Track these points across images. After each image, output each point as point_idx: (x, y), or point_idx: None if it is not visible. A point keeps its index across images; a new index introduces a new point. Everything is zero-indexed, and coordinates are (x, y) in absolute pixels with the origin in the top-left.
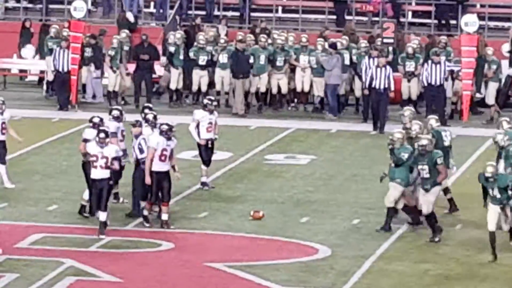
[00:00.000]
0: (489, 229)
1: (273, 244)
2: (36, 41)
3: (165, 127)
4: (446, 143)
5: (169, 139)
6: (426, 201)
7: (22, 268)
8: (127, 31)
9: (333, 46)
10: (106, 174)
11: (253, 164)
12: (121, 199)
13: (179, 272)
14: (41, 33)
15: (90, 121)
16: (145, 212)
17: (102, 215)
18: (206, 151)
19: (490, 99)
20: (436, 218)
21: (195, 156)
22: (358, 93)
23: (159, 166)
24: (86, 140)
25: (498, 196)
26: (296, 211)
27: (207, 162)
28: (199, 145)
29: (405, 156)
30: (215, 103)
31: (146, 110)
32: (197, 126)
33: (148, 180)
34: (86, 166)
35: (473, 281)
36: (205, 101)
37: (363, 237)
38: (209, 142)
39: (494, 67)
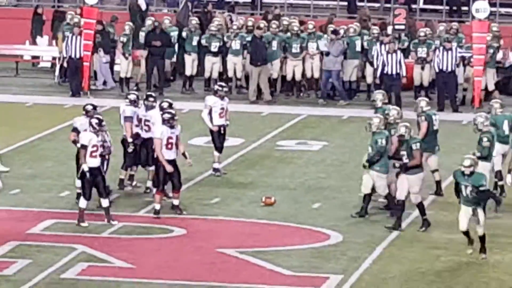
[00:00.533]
0: (460, 229)
1: (285, 230)
2: (48, 28)
3: (167, 116)
4: (435, 127)
5: (172, 127)
6: (412, 192)
7: (34, 254)
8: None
9: (335, 32)
10: (98, 162)
11: (265, 150)
12: (134, 183)
13: (191, 258)
14: (54, 19)
15: (84, 108)
16: (157, 206)
17: (105, 202)
18: (218, 137)
19: (490, 85)
20: (404, 207)
21: (207, 142)
22: (369, 79)
23: (166, 155)
24: (75, 129)
25: (471, 196)
26: (307, 197)
27: (219, 148)
28: (211, 131)
29: (381, 141)
30: (226, 89)
31: (150, 98)
32: (210, 112)
33: (169, 168)
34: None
35: (483, 267)
36: (216, 87)
37: (374, 223)
38: (221, 128)
39: (490, 51)
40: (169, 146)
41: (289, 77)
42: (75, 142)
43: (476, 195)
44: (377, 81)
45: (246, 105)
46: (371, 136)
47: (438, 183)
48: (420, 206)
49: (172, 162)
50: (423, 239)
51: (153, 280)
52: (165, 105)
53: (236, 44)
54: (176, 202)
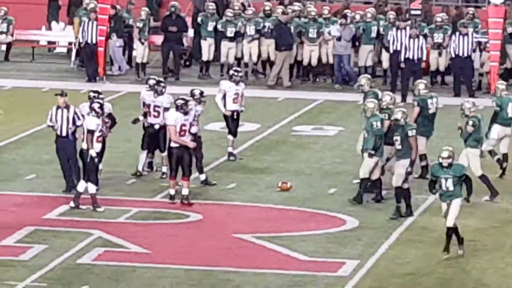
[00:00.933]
0: (447, 225)
1: (301, 215)
2: (64, 13)
3: (180, 102)
4: (431, 111)
5: (186, 113)
6: (396, 173)
7: (50, 239)
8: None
9: (344, 17)
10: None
11: (281, 135)
12: (154, 168)
13: (207, 243)
14: (70, 5)
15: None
16: (172, 192)
17: (92, 188)
18: (232, 122)
19: (485, 67)
20: (408, 194)
21: (222, 127)
22: (385, 64)
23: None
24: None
25: (451, 188)
26: (323, 182)
27: (233, 132)
28: (225, 116)
29: (376, 124)
30: (241, 73)
31: (161, 84)
32: (224, 97)
33: (191, 144)
34: (84, 154)
35: (500, 252)
36: (232, 71)
37: (390, 208)
38: (235, 113)
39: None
40: (182, 133)
41: (305, 62)
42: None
43: (461, 185)
44: (402, 65)
45: (262, 90)
46: (365, 121)
47: (424, 167)
48: (398, 191)
49: (184, 149)
50: (439, 224)
51: (169, 265)
52: (196, 92)
53: (251, 30)
54: (185, 191)
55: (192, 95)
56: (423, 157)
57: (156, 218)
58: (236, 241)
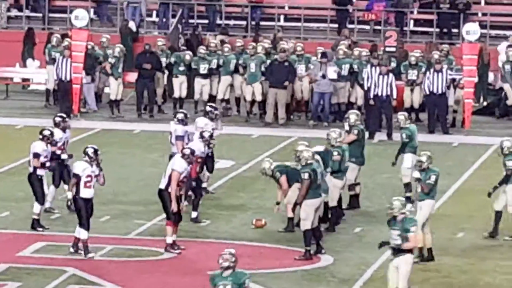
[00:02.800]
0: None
1: (276, 252)
2: (40, 50)
3: (187, 151)
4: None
5: (190, 163)
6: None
7: (24, 277)
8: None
9: (324, 55)
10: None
11: (256, 172)
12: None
13: (182, 280)
14: (47, 42)
15: (40, 133)
16: (169, 240)
17: (84, 234)
18: (208, 158)
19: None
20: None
21: None
22: (360, 101)
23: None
24: (37, 155)
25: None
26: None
27: (210, 169)
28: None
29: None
30: (217, 111)
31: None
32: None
33: (175, 206)
34: (32, 177)
35: None
36: (208, 108)
37: (365, 245)
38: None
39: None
40: (181, 183)
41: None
42: (36, 168)
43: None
44: (371, 102)
45: (236, 127)
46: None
47: (355, 196)
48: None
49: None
50: (414, 261)
51: None
52: (206, 134)
53: (253, 67)
54: (171, 239)
55: (202, 136)
56: (351, 186)
57: (131, 255)
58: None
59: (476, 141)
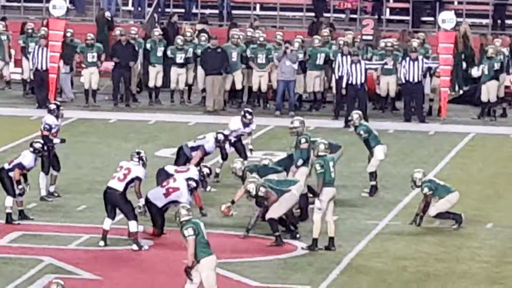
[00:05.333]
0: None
1: (252, 241)
2: (14, 40)
3: (193, 185)
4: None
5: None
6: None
7: (1, 266)
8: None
9: (289, 43)
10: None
11: (231, 161)
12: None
13: (159, 269)
14: (21, 32)
15: (31, 145)
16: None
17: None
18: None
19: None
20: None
21: (173, 154)
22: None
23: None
24: (23, 167)
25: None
26: None
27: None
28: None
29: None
30: (250, 117)
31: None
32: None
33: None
34: (2, 173)
35: (451, 277)
36: (244, 112)
37: (341, 234)
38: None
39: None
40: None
41: (255, 88)
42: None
43: None
44: (343, 92)
45: (213, 116)
46: None
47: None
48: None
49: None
50: (390, 249)
51: None
52: (206, 170)
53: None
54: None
55: (200, 171)
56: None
57: (107, 244)
58: None
59: (452, 129)
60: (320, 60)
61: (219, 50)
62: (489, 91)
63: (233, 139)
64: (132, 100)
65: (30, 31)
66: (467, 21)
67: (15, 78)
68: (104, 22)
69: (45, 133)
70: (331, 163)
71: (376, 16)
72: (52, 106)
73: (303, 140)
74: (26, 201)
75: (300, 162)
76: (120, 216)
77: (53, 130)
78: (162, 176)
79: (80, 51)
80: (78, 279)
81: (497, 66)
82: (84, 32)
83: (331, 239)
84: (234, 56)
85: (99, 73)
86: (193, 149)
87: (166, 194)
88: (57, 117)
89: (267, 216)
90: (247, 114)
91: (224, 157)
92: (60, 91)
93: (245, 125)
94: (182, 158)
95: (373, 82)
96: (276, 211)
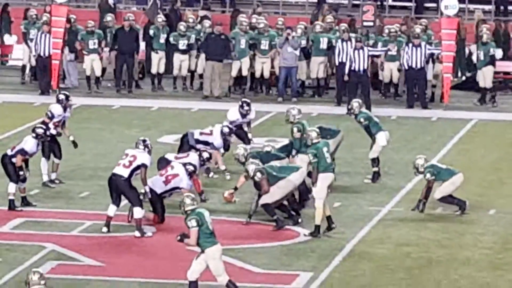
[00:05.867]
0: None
1: (255, 228)
2: (17, 26)
3: (191, 169)
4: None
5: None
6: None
7: (3, 253)
8: (112, 15)
9: (290, 29)
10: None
11: (234, 147)
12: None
13: (161, 256)
14: (24, 18)
15: (33, 131)
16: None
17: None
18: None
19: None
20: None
21: (176, 140)
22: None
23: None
24: (25, 153)
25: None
26: None
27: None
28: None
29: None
30: (248, 108)
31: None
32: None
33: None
34: (6, 159)
35: (454, 263)
36: (241, 103)
37: (344, 220)
38: None
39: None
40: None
41: (257, 74)
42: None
43: None
44: (346, 78)
45: (214, 103)
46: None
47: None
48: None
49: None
50: (393, 236)
51: (123, 279)
52: (205, 155)
53: (265, 45)
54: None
55: (200, 155)
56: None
57: (110, 231)
58: (190, 253)
59: (455, 115)
60: (323, 44)
61: (222, 36)
62: (484, 77)
63: (234, 128)
64: (135, 87)
65: (33, 17)
66: (470, 7)
67: (16, 65)
68: (107, 9)
69: (46, 120)
70: (325, 149)
71: (379, 2)
72: (61, 96)
73: (295, 130)
74: (29, 187)
75: (293, 152)
76: (123, 202)
77: (55, 120)
78: (163, 164)
79: (81, 38)
80: (81, 265)
81: (492, 51)
82: (87, 19)
83: (329, 218)
84: (243, 43)
85: (101, 59)
86: (198, 142)
87: (166, 182)
88: (64, 108)
89: (261, 201)
90: (244, 105)
91: (226, 147)
92: (63, 77)
93: (243, 115)
94: (185, 146)
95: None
96: (270, 197)
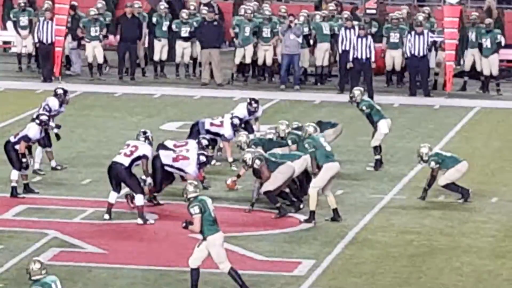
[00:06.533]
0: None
1: (257, 215)
2: None
3: (203, 159)
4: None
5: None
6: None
7: (6, 240)
8: (103, 2)
9: (291, 16)
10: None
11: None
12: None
13: (164, 243)
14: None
15: (37, 118)
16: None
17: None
18: None
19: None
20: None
21: (179, 127)
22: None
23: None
24: (29, 139)
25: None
26: None
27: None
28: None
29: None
30: (256, 105)
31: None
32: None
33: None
34: (9, 146)
35: (456, 251)
36: (250, 100)
37: (346, 208)
38: None
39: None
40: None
41: (260, 62)
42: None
43: None
44: (350, 65)
45: (219, 91)
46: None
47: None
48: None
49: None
50: (396, 223)
51: (125, 266)
52: (204, 142)
53: (268, 33)
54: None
55: (199, 142)
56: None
57: (112, 218)
58: (192, 241)
59: (457, 103)
60: (326, 29)
61: (215, 23)
62: (491, 65)
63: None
64: (142, 74)
65: (22, 5)
66: None
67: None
68: None
69: (42, 112)
70: (321, 139)
71: None
72: (59, 91)
73: (290, 142)
74: (31, 174)
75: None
76: (124, 190)
77: (51, 113)
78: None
79: (83, 26)
80: (83, 252)
81: (500, 38)
82: (89, 6)
83: (335, 210)
84: (247, 31)
85: (103, 47)
86: (208, 132)
87: (175, 159)
88: (62, 103)
89: (263, 189)
90: (253, 102)
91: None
92: (67, 64)
93: (251, 112)
94: (194, 135)
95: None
96: (271, 183)
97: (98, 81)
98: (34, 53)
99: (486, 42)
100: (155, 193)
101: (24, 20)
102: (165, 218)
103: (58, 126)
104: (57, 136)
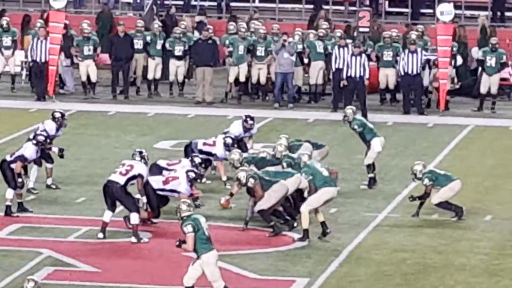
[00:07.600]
0: None
1: (251, 233)
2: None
3: (192, 175)
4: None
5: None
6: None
7: (0, 259)
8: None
9: (285, 34)
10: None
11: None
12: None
13: (157, 261)
14: (22, 24)
15: (34, 138)
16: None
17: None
18: None
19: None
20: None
21: (173, 146)
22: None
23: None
24: (25, 159)
25: None
26: None
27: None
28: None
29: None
30: (252, 122)
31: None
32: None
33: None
34: (4, 165)
35: (450, 269)
36: (245, 117)
37: (340, 226)
38: None
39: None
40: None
41: (254, 80)
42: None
43: None
44: (345, 83)
45: (212, 109)
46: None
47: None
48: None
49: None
50: (390, 241)
51: (119, 284)
52: (197, 160)
53: (261, 51)
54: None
55: (192, 161)
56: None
57: (107, 237)
58: (186, 259)
59: (451, 121)
60: (320, 47)
61: (210, 41)
62: (491, 84)
63: (236, 140)
64: (136, 92)
65: (5, 26)
66: (466, 13)
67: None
68: (108, 17)
69: (39, 132)
70: (317, 165)
71: (373, 8)
72: (57, 114)
73: (285, 164)
74: (26, 193)
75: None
76: (119, 208)
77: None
78: (154, 170)
79: (76, 44)
80: (77, 271)
81: (505, 58)
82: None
83: (323, 223)
84: (241, 49)
85: (96, 65)
86: (201, 152)
87: (165, 182)
88: (60, 126)
89: (257, 208)
90: (248, 119)
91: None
92: (60, 83)
93: (246, 129)
94: (189, 156)
95: (375, 74)
96: (265, 202)
97: (91, 99)
98: (20, 73)
99: (491, 61)
100: (154, 218)
101: (7, 41)
102: (159, 237)
103: (61, 150)
104: (61, 156)
